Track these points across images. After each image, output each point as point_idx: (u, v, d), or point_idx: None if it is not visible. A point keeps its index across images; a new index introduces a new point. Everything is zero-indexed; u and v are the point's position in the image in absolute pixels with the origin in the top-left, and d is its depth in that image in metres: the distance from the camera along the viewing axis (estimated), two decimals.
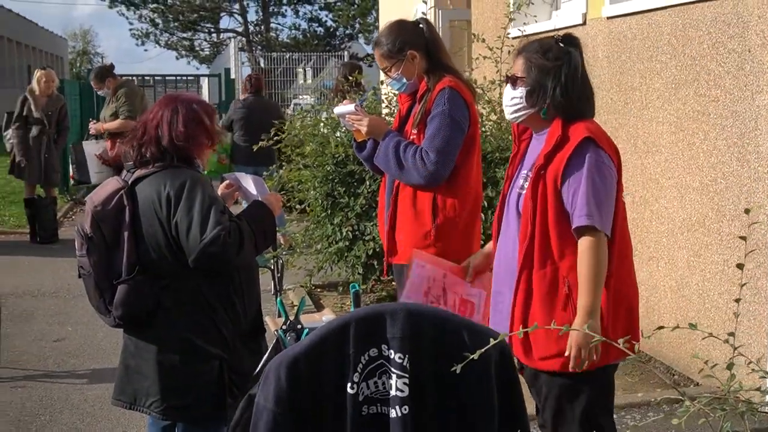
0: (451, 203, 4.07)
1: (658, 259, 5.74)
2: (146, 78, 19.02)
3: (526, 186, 3.18)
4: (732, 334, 1.90)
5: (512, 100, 3.23)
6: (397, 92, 4.34)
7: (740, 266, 1.89)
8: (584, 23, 6.72)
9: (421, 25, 4.23)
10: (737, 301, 1.93)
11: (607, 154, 3.09)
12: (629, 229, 5.56)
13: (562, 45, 3.19)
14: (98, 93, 10.83)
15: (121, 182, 3.40)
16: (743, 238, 2.11)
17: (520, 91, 3.20)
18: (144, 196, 3.33)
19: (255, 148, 8.00)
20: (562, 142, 3.09)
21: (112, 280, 3.33)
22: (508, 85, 3.27)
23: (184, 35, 42.74)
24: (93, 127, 9.84)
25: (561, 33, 3.30)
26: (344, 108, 4.29)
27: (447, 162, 3.99)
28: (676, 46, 5.51)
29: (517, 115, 3.25)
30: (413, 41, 4.15)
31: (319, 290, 7.90)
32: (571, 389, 3.15)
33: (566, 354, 3.01)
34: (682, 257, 5.49)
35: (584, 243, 3.01)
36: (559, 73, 3.13)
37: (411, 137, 4.13)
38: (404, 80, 4.17)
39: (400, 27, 4.23)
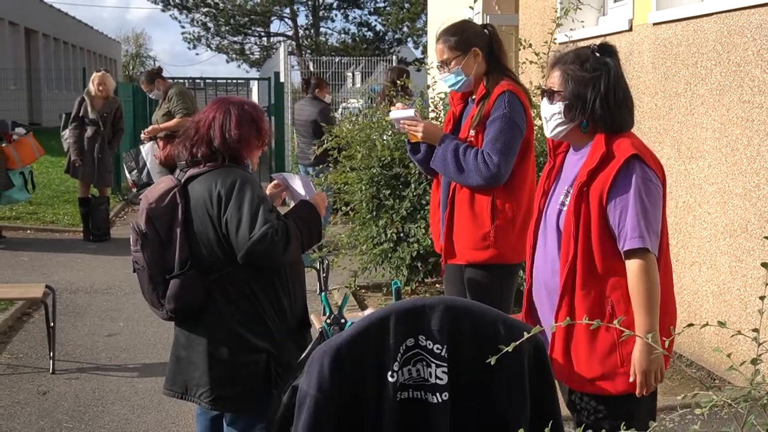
0: (509, 205, 4.16)
1: (701, 264, 5.77)
2: (197, 81, 19.29)
3: (566, 202, 3.08)
4: (757, 330, 1.97)
5: (552, 116, 3.12)
6: (449, 89, 4.40)
7: (765, 265, 1.96)
8: (630, 29, 6.76)
9: (487, 29, 4.32)
10: (762, 298, 2.00)
11: (653, 171, 3.01)
12: (672, 233, 5.55)
13: (598, 55, 3.09)
14: (149, 95, 11.07)
15: (174, 181, 3.54)
16: None
17: (558, 106, 3.09)
18: (196, 194, 3.47)
19: (314, 152, 8.32)
20: (606, 158, 2.98)
21: (165, 274, 3.47)
22: (545, 99, 3.16)
23: (235, 39, 43.26)
24: (146, 133, 10.11)
25: (597, 42, 3.18)
26: (401, 113, 4.37)
27: (508, 164, 4.09)
28: (721, 53, 5.54)
29: (557, 131, 3.14)
30: (479, 41, 4.23)
31: (363, 291, 8.02)
32: (615, 410, 3.00)
33: (631, 380, 2.94)
34: (725, 262, 5.51)
35: (636, 265, 2.92)
36: (598, 85, 3.03)
37: (469, 139, 4.21)
38: (462, 76, 4.23)
39: (468, 25, 4.35)
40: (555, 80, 3.11)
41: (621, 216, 2.93)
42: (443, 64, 4.27)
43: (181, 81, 14.31)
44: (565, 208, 3.07)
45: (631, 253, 2.92)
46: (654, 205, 2.96)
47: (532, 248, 3.29)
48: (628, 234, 2.90)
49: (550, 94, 3.12)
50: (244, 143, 3.54)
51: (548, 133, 3.19)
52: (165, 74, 10.54)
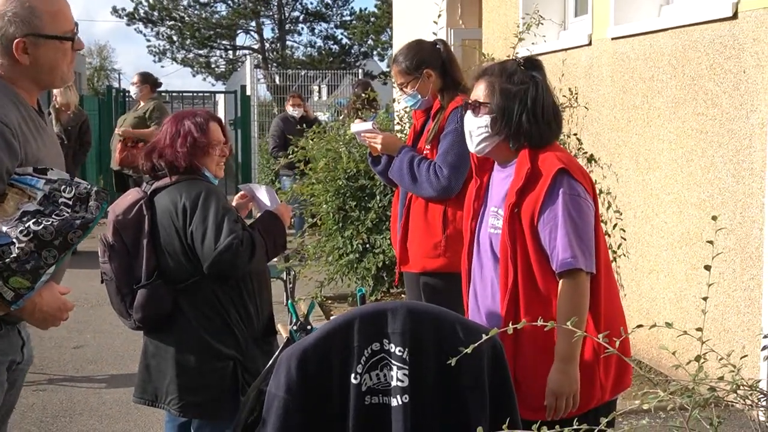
0: (460, 215, 4.27)
1: (658, 272, 5.92)
2: (162, 94, 19.25)
3: (498, 225, 2.98)
4: (700, 329, 2.09)
5: (478, 129, 3.01)
6: (410, 108, 4.54)
7: (707, 267, 2.07)
8: (590, 43, 6.92)
9: (438, 46, 4.43)
10: (705, 299, 2.12)
11: (581, 185, 2.91)
12: (631, 243, 5.65)
13: (524, 68, 3.01)
14: (131, 89, 10.87)
15: (140, 193, 3.61)
16: (710, 242, 2.30)
17: (485, 119, 2.98)
18: (162, 206, 3.54)
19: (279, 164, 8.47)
20: (533, 175, 2.90)
21: (133, 285, 3.54)
22: (469, 112, 3.05)
23: (201, 52, 43.13)
24: (119, 132, 10.11)
25: (522, 57, 3.14)
26: (360, 126, 4.52)
27: (459, 176, 4.19)
28: (676, 67, 5.70)
29: (483, 145, 3.03)
30: (430, 60, 4.34)
31: (329, 302, 8.10)
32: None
33: (544, 403, 2.88)
34: (681, 270, 5.66)
35: (564, 285, 2.84)
36: (525, 98, 2.94)
37: (424, 152, 4.33)
38: (419, 97, 4.36)
39: (419, 46, 4.43)
40: (481, 92, 3.02)
41: (551, 235, 2.85)
42: (400, 87, 4.41)
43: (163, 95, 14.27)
44: (497, 232, 2.98)
45: (564, 274, 2.85)
46: (584, 220, 2.87)
47: (467, 272, 3.20)
48: (560, 254, 2.83)
49: (475, 106, 3.02)
50: (195, 152, 3.58)
51: (473, 148, 3.08)
52: (132, 88, 10.50)
